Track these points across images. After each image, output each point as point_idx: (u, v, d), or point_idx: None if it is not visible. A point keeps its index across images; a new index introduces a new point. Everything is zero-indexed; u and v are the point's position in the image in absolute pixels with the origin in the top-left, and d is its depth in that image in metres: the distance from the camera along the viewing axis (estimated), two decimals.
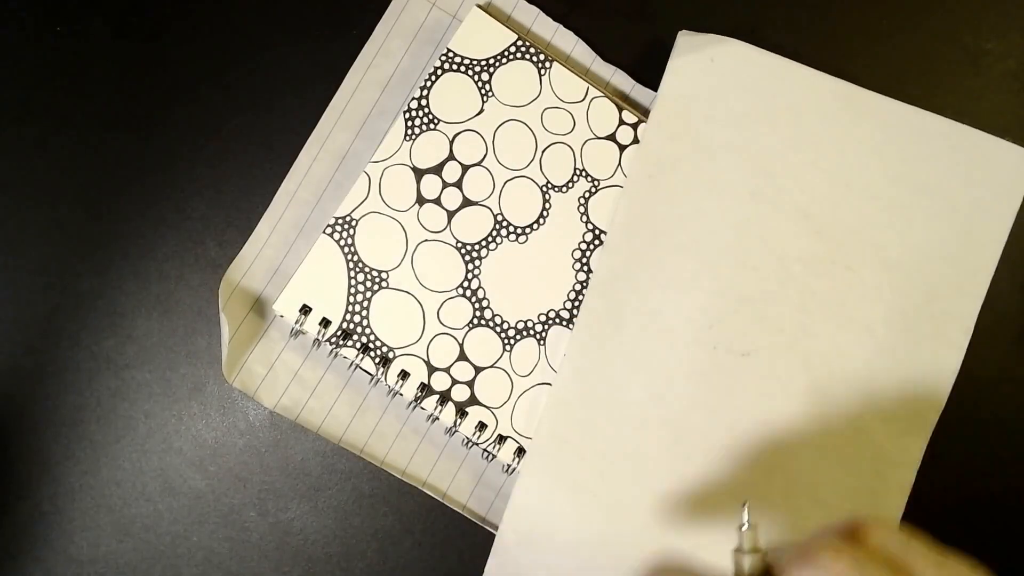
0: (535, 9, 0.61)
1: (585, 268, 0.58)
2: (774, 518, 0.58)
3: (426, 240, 0.58)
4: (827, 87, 0.60)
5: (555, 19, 0.61)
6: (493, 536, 0.57)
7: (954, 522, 0.60)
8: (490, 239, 0.58)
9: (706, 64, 0.60)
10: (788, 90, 0.60)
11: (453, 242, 0.58)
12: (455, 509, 0.58)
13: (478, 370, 0.58)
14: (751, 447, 0.58)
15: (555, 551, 0.56)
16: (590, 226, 0.59)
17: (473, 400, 0.58)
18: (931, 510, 0.58)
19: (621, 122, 0.59)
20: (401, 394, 0.58)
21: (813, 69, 0.60)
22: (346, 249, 0.58)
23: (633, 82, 0.61)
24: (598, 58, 0.61)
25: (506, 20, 0.61)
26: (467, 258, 0.58)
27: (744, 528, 0.41)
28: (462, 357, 0.58)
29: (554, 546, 0.56)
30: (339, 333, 0.57)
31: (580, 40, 0.61)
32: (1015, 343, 0.61)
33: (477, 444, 0.58)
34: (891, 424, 0.58)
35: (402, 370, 0.57)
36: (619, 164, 0.59)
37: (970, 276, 0.59)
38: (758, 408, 0.58)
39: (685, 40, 0.60)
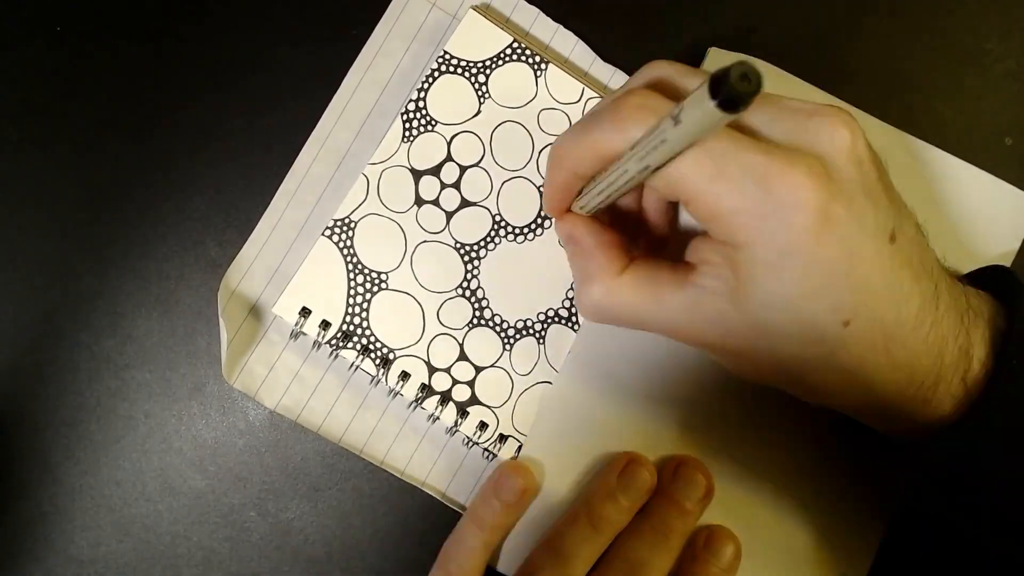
0: (535, 10, 0.61)
1: None
2: (758, 517, 0.58)
3: (425, 241, 0.58)
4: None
5: (555, 20, 0.61)
6: None
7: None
8: (489, 239, 0.58)
9: None
10: None
11: (452, 243, 0.58)
12: (454, 508, 0.58)
13: (478, 370, 0.58)
14: (749, 450, 0.58)
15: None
16: None
17: (474, 400, 0.58)
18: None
19: None
20: (402, 395, 0.58)
21: (834, 96, 0.60)
22: (345, 251, 0.58)
23: None
24: (598, 59, 0.61)
25: (505, 21, 0.61)
26: (466, 258, 0.58)
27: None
28: (462, 357, 0.58)
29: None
30: (339, 335, 0.57)
31: (580, 41, 0.61)
32: None
33: (478, 444, 0.58)
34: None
35: (403, 371, 0.58)
36: None
37: None
38: (758, 412, 0.58)
39: (715, 57, 0.60)
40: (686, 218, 0.51)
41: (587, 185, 0.48)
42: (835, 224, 0.40)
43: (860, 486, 0.58)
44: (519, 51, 0.59)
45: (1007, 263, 0.59)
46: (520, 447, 0.58)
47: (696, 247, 0.47)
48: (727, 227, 0.42)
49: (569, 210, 0.51)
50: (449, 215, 0.58)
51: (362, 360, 0.57)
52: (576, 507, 0.56)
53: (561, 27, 0.61)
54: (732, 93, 0.32)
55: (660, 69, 0.47)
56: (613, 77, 0.61)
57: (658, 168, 0.41)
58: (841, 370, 0.44)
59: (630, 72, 0.61)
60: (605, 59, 0.61)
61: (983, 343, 0.45)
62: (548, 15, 0.61)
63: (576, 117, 0.59)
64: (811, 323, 0.43)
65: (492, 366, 0.58)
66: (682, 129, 0.37)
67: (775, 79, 0.60)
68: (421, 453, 0.59)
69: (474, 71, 0.59)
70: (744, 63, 0.32)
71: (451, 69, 0.59)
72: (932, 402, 0.45)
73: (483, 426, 0.58)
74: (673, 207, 0.51)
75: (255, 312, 0.59)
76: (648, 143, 0.40)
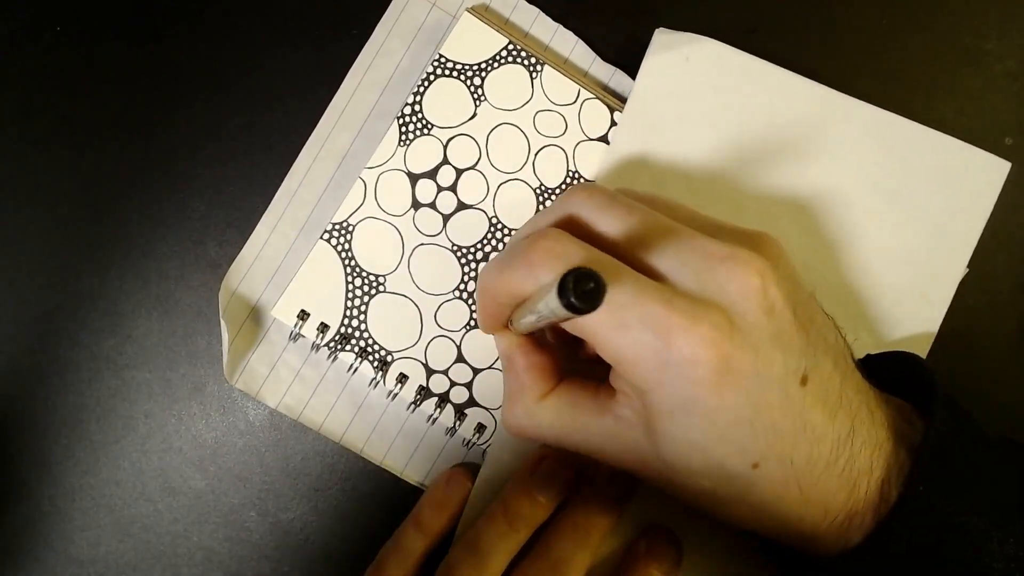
0: (535, 9, 0.61)
1: None
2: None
3: (422, 244, 0.58)
4: (801, 89, 0.59)
5: (555, 19, 0.61)
6: None
7: None
8: (485, 242, 0.58)
9: (681, 63, 0.59)
10: (763, 91, 0.59)
11: (449, 245, 0.58)
12: None
13: (476, 372, 0.58)
14: None
15: None
16: None
17: (472, 402, 0.58)
18: None
19: (613, 123, 0.59)
20: (400, 396, 0.58)
21: (788, 71, 0.59)
22: (343, 254, 0.58)
23: (633, 83, 0.61)
24: (598, 58, 0.61)
25: (505, 22, 0.61)
26: (463, 261, 0.58)
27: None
28: (460, 359, 0.58)
29: None
30: (337, 337, 0.57)
31: (580, 40, 0.61)
32: (1015, 342, 0.61)
33: (478, 444, 0.58)
34: None
35: (400, 373, 0.58)
36: None
37: (936, 282, 0.59)
38: None
39: (661, 38, 0.60)
40: None
41: (516, 311, 0.48)
42: (737, 376, 0.41)
43: None
44: (515, 53, 0.59)
45: (978, 228, 0.59)
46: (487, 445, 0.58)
47: (616, 374, 0.48)
48: (630, 374, 0.43)
49: (507, 326, 0.51)
50: (446, 218, 0.58)
51: (360, 362, 0.57)
52: (493, 504, 0.56)
53: (561, 27, 0.61)
54: (572, 303, 0.33)
55: (577, 204, 0.47)
56: (613, 77, 0.61)
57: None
58: (754, 506, 0.45)
59: (630, 72, 0.61)
60: (605, 59, 0.61)
61: (901, 474, 0.45)
62: (548, 15, 0.61)
63: (572, 118, 0.59)
64: (719, 465, 0.43)
65: (490, 368, 0.58)
66: (550, 313, 0.38)
67: (748, 67, 0.60)
68: (420, 454, 0.59)
69: (469, 74, 0.59)
70: (589, 274, 0.33)
71: (447, 72, 0.59)
72: (847, 533, 0.45)
73: (481, 428, 0.58)
74: None
75: (256, 312, 0.59)
76: (535, 307, 0.41)
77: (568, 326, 0.44)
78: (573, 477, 0.56)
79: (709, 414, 0.41)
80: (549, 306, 0.37)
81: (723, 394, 0.41)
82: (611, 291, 0.39)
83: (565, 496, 0.55)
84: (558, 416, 0.50)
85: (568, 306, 0.33)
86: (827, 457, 0.44)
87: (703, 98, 0.59)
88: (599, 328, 0.42)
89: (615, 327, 0.42)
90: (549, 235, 0.44)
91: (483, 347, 0.58)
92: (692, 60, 0.60)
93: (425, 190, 0.58)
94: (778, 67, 0.60)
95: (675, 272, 0.43)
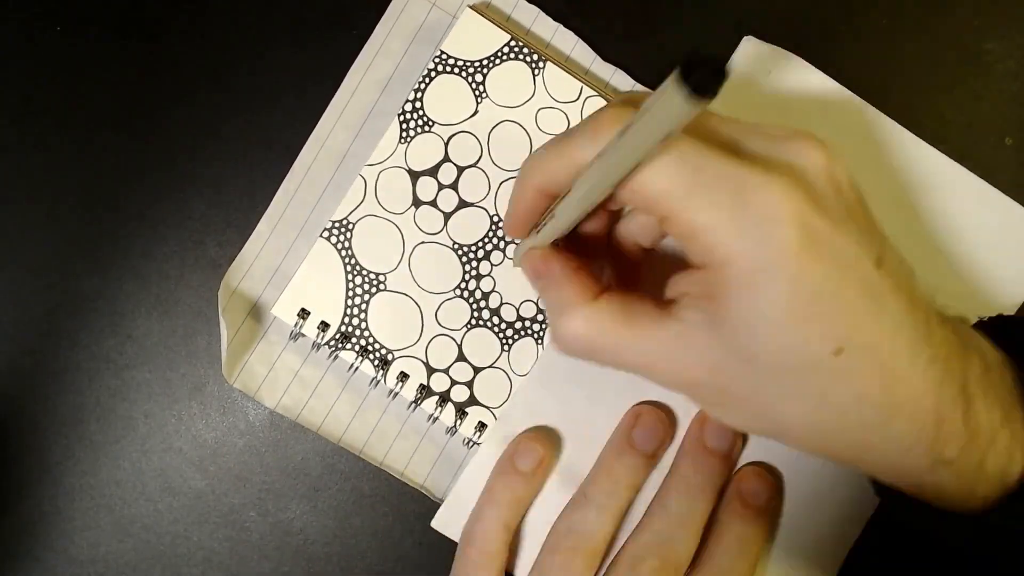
0: (535, 9, 0.61)
1: None
2: None
3: (423, 242, 0.58)
4: (873, 121, 0.59)
5: (555, 19, 0.61)
6: None
7: None
8: (487, 240, 0.58)
9: (763, 76, 0.59)
10: (835, 117, 0.59)
11: (450, 243, 0.58)
12: None
13: (477, 370, 0.58)
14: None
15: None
16: None
17: (473, 400, 0.58)
18: None
19: None
20: (401, 395, 0.58)
21: (867, 103, 0.59)
22: (343, 252, 0.58)
23: (633, 82, 0.61)
24: (598, 58, 0.61)
25: (505, 20, 0.61)
26: (464, 259, 0.58)
27: None
28: (461, 358, 0.58)
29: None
30: (338, 336, 0.57)
31: (580, 40, 0.61)
32: None
33: (477, 444, 0.58)
34: None
35: (401, 372, 0.58)
36: None
37: None
38: None
39: (747, 47, 0.60)
40: (665, 248, 0.51)
41: (546, 214, 0.46)
42: (818, 240, 0.38)
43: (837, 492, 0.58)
44: (517, 49, 0.59)
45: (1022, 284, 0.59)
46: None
47: (675, 282, 0.45)
48: (704, 244, 0.40)
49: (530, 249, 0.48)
50: (447, 216, 0.58)
51: (361, 361, 0.57)
52: (594, 468, 0.57)
53: (561, 26, 0.61)
54: (700, 83, 0.31)
55: (638, 96, 0.45)
56: (613, 76, 0.61)
57: (628, 175, 0.39)
58: (834, 407, 0.42)
59: (630, 72, 0.61)
60: (605, 58, 0.61)
61: (979, 381, 0.43)
62: (548, 14, 0.61)
63: (575, 116, 0.59)
64: (799, 351, 0.40)
65: (490, 367, 0.58)
66: (649, 119, 0.35)
67: (826, 90, 0.60)
68: (421, 453, 0.59)
69: (471, 70, 0.59)
70: (711, 56, 0.31)
71: (448, 69, 0.59)
72: (943, 454, 0.42)
73: (482, 426, 0.58)
74: (647, 230, 0.49)
75: (255, 312, 0.59)
76: (615, 141, 0.39)
77: (637, 196, 0.40)
78: (670, 430, 0.57)
79: (790, 283, 0.38)
80: (653, 112, 0.35)
81: (805, 259, 0.38)
82: (685, 152, 0.38)
83: (666, 449, 0.57)
84: (614, 323, 0.45)
85: (696, 89, 0.31)
86: (909, 349, 0.41)
87: (779, 115, 0.59)
88: (671, 194, 0.39)
89: (688, 190, 0.39)
90: (616, 104, 0.42)
91: (483, 346, 0.58)
92: (774, 75, 0.59)
93: (426, 188, 0.58)
94: (856, 96, 0.59)
95: (740, 143, 0.41)
